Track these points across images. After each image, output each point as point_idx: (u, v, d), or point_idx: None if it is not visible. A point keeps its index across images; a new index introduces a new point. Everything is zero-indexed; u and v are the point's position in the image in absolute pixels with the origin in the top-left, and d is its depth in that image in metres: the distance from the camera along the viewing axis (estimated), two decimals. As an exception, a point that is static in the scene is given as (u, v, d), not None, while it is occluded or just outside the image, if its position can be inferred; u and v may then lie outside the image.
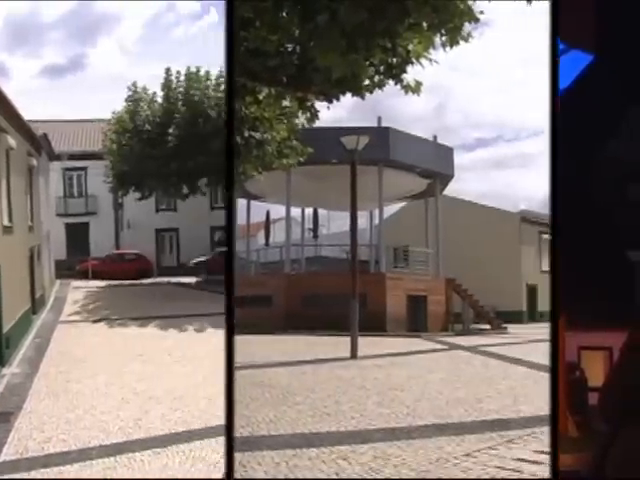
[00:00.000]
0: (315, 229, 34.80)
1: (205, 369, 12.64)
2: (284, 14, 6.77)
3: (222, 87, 28.69)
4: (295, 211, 35.25)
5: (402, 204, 36.18)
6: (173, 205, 39.07)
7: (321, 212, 36.12)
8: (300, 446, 7.56)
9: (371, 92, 7.59)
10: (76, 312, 23.16)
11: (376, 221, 30.47)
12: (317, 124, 9.10)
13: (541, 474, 6.45)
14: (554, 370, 5.93)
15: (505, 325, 27.41)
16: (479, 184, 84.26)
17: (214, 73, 29.58)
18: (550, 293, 6.19)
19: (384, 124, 26.39)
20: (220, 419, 8.96)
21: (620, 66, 7.55)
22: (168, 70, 29.61)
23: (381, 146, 23.88)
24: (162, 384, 11.44)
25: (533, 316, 35.28)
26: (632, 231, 7.33)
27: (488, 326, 27.43)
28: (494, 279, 32.94)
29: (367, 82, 7.46)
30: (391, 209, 35.28)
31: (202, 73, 29.55)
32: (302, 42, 7.03)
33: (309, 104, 8.27)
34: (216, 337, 16.77)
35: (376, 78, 7.47)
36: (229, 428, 5.59)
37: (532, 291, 35.73)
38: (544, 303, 35.45)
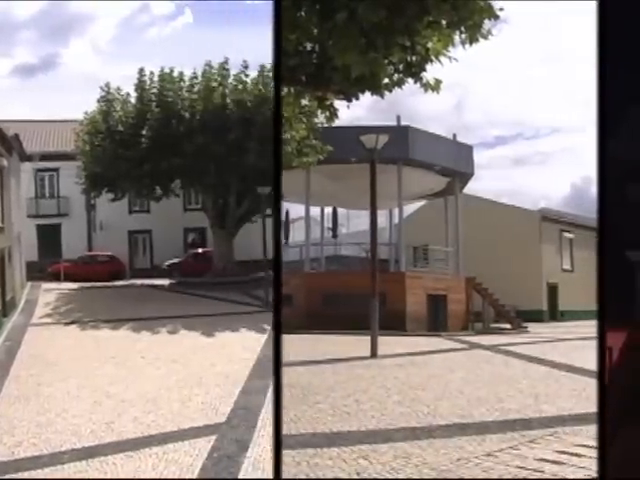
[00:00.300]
0: (334, 228, 34.78)
1: (178, 371, 12.54)
2: (303, 13, 6.75)
3: (196, 88, 28.51)
4: (314, 210, 35.30)
5: (421, 203, 36.06)
6: (146, 207, 38.73)
7: (340, 211, 36.10)
8: (321, 445, 7.55)
9: (390, 91, 7.55)
10: (47, 315, 22.93)
11: (395, 220, 30.39)
12: (336, 123, 9.07)
13: (563, 474, 6.40)
14: (601, 371, 5.82)
15: (525, 324, 27.24)
16: (499, 182, 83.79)
17: (188, 74, 29.34)
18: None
19: (403, 123, 26.31)
20: (193, 421, 8.98)
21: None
22: (141, 71, 29.35)
23: (400, 145, 23.81)
24: (135, 387, 11.27)
25: (554, 315, 35.03)
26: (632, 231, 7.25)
27: (508, 325, 27.28)
28: (514, 278, 32.75)
29: (386, 81, 7.42)
30: (410, 208, 35.16)
31: (176, 74, 29.25)
32: (321, 41, 7.00)
33: (328, 103, 8.25)
34: (189, 339, 16.82)
35: (395, 76, 7.43)
36: (277, 428, 5.55)
37: (553, 290, 35.48)
38: (565, 302, 35.25)
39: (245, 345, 15.27)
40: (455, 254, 28.25)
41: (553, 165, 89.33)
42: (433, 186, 29.24)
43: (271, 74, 28.31)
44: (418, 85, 7.38)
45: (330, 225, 34.85)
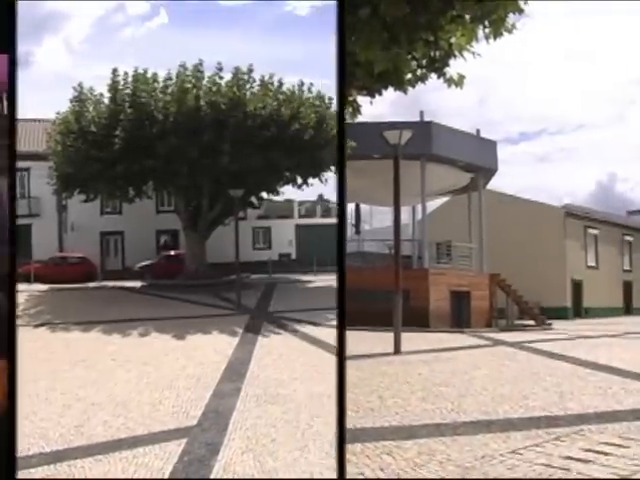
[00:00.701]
0: (357, 224, 34.76)
1: (149, 374, 12.46)
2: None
3: (170, 89, 28.14)
4: (337, 207, 35.31)
5: (445, 199, 35.93)
6: (118, 208, 38.48)
7: (363, 207, 36.13)
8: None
9: (413, 86, 7.53)
10: (17, 316, 22.68)
11: (419, 216, 30.31)
12: (359, 119, 9.05)
13: (589, 473, 6.34)
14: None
15: (549, 321, 27.07)
16: (522, 178, 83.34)
17: (162, 75, 28.89)
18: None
19: (426, 118, 26.22)
20: (164, 424, 8.90)
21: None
22: (115, 71, 28.80)
23: (424, 140, 23.74)
24: (105, 390, 11.16)
25: (578, 312, 34.77)
26: None
27: (532, 322, 27.11)
28: (538, 274, 32.55)
29: (409, 76, 7.40)
30: (434, 204, 35.06)
31: (150, 75, 28.81)
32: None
33: (351, 99, 8.23)
34: (160, 342, 16.72)
35: (418, 72, 7.40)
36: (340, 427, 5.53)
37: (577, 287, 35.21)
38: (589, 299, 34.99)
39: (217, 348, 15.16)
40: (479, 251, 28.11)
41: (578, 161, 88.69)
42: (456, 182, 29.11)
43: (246, 77, 28.44)
44: (441, 80, 7.35)
45: (353, 222, 34.84)
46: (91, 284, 33.87)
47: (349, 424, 8.44)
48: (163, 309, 23.71)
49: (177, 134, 26.63)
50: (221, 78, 28.26)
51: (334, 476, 6.29)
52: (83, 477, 6.98)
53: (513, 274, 28.57)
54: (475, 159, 27.30)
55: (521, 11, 6.78)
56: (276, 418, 9.09)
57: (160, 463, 7.22)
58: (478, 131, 28.60)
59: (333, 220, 43.49)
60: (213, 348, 15.26)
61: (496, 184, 32.89)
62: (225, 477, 6.91)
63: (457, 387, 11.01)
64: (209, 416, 9.25)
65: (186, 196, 31.73)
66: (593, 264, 36.79)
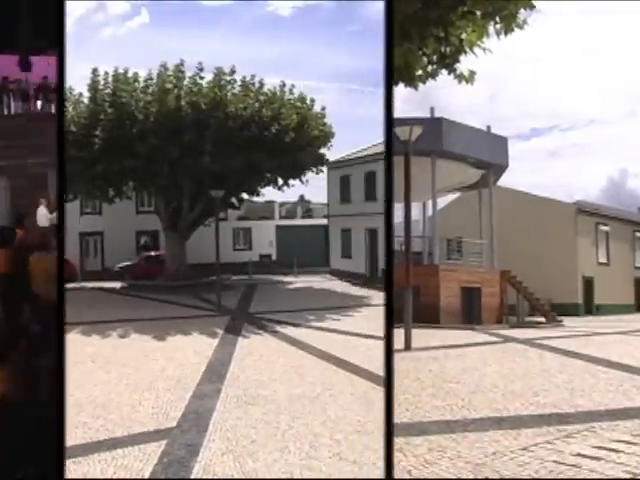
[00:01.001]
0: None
1: (129, 375, 12.42)
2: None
3: (150, 89, 27.91)
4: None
5: (455, 195, 35.85)
6: (98, 208, 38.36)
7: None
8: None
9: (424, 82, 7.51)
10: (65, 321, 22.69)
11: (429, 212, 30.24)
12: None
13: (601, 470, 6.32)
14: None
15: (560, 318, 26.98)
16: (534, 174, 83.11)
17: (142, 75, 28.58)
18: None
19: (437, 115, 26.14)
20: (143, 426, 8.87)
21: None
22: (95, 71, 28.48)
23: (434, 137, 23.69)
24: (84, 391, 11.17)
25: (589, 309, 34.64)
26: None
27: (543, 319, 27.03)
28: (549, 271, 32.47)
29: (420, 72, 7.38)
30: (444, 200, 34.99)
31: (130, 75, 28.56)
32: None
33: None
34: (140, 343, 16.64)
35: (429, 68, 7.38)
36: (388, 427, 5.51)
37: (588, 283, 35.08)
38: (601, 296, 34.86)
39: (197, 349, 15.10)
40: (489, 247, 28.05)
41: (589, 157, 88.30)
42: (467, 178, 29.03)
43: (227, 77, 28.11)
44: (452, 76, 7.34)
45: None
46: (70, 285, 33.22)
47: (357, 421, 8.45)
48: (143, 310, 23.64)
49: (158, 134, 26.44)
50: (202, 78, 27.94)
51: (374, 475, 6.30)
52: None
53: (524, 271, 28.49)
54: (486, 155, 27.22)
55: (532, 7, 6.76)
56: (256, 419, 9.10)
57: (140, 464, 7.22)
58: (489, 127, 28.52)
59: (314, 221, 43.57)
60: (193, 349, 15.21)
61: (507, 180, 32.79)
62: (207, 478, 6.95)
63: (467, 384, 11.00)
64: (189, 417, 9.24)
65: (166, 196, 31.53)
66: (604, 261, 36.63)
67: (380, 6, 6.03)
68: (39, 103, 20.62)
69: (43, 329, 6.81)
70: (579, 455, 6.80)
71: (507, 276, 27.25)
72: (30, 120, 19.47)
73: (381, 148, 33.90)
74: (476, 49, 7.04)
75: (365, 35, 70.76)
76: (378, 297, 25.58)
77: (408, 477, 6.34)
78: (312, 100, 29.94)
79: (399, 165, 16.70)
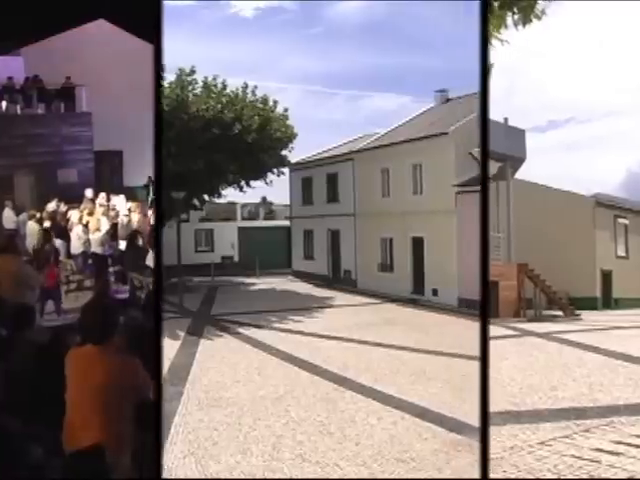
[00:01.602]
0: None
1: None
2: None
3: None
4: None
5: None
6: None
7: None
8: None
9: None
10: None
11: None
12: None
13: (620, 465, 6.27)
14: None
15: (578, 312, 26.80)
16: (551, 167, 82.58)
17: None
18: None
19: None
20: None
21: None
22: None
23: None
24: None
25: (608, 303, 34.37)
26: None
27: (560, 312, 26.86)
28: (567, 264, 32.23)
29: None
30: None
31: None
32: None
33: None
34: None
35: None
36: (484, 428, 5.48)
37: (607, 277, 34.80)
38: (619, 289, 34.61)
39: None
40: (506, 240, 27.89)
41: (607, 149, 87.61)
42: (484, 171, 28.87)
43: (189, 78, 27.69)
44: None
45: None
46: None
47: (319, 422, 8.43)
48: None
49: None
50: (164, 79, 27.79)
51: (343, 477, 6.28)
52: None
53: (541, 264, 28.31)
54: (503, 148, 27.01)
55: (551, -3, 6.68)
56: (218, 421, 9.13)
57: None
58: (506, 119, 28.32)
59: (276, 223, 43.27)
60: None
61: (524, 173, 32.58)
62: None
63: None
64: (151, 419, 9.28)
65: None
66: (623, 254, 36.33)
67: (342, 8, 6.02)
68: (4, 104, 20.75)
69: (8, 333, 6.79)
70: (598, 450, 6.74)
71: (524, 269, 27.08)
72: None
73: (343, 149, 33.92)
74: (494, 40, 6.97)
75: (327, 37, 70.67)
76: (341, 298, 25.71)
77: (502, 477, 6.29)
78: (275, 102, 29.77)
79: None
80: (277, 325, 19.14)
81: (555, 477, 6.12)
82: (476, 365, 10.81)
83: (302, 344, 15.76)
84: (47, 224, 16.84)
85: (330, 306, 23.90)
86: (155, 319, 6.25)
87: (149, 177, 23.71)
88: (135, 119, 24.35)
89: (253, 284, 34.19)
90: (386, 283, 26.87)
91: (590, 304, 32.00)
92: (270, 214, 45.41)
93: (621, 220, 36.59)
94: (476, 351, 10.80)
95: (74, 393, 4.99)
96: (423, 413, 9.43)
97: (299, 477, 6.94)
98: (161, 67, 6.03)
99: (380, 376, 11.96)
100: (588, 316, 26.21)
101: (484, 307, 6.67)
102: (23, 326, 6.76)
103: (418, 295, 24.84)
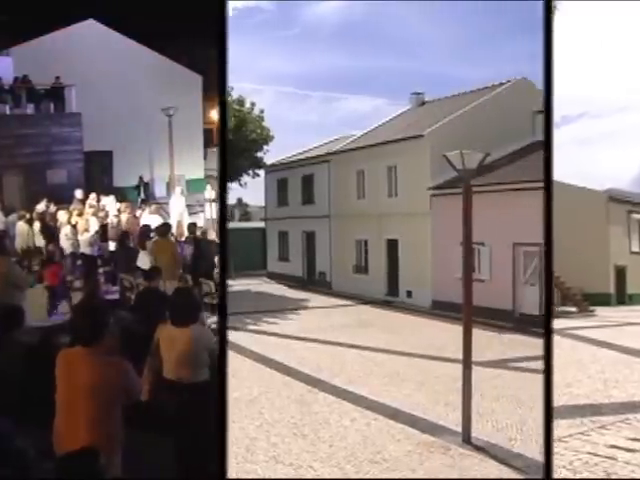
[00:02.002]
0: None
1: None
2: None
3: None
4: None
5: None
6: None
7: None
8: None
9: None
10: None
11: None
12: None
13: (636, 462, 6.28)
14: None
15: (592, 308, 26.71)
16: (564, 163, 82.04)
17: None
18: None
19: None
20: None
21: None
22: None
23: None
24: None
25: (622, 299, 34.21)
26: None
27: (574, 309, 26.78)
28: (580, 260, 32.09)
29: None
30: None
31: None
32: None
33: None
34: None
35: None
36: (547, 427, 5.52)
37: (620, 273, 34.64)
38: (633, 285, 34.44)
39: None
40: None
41: (620, 144, 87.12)
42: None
43: None
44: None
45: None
46: None
47: (293, 424, 8.45)
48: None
49: None
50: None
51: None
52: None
53: (555, 260, 28.17)
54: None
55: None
56: None
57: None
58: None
59: (251, 224, 43.05)
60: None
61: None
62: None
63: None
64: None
65: None
66: (637, 250, 36.14)
67: (320, 9, 6.03)
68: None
69: None
70: (614, 447, 6.75)
71: (538, 265, 27.02)
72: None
73: (319, 151, 33.79)
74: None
75: (303, 38, 70.29)
76: (315, 300, 25.67)
77: (562, 477, 6.30)
78: (252, 103, 29.68)
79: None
80: (252, 327, 19.12)
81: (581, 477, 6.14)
82: (449, 366, 10.91)
83: (277, 346, 15.70)
84: (37, 225, 16.85)
85: (305, 308, 23.71)
86: (220, 320, 6.37)
87: (140, 177, 23.77)
88: (125, 119, 24.58)
89: (229, 286, 34.14)
90: (361, 285, 26.71)
91: (604, 300, 31.86)
92: (245, 215, 45.26)
93: (635, 215, 36.41)
94: (450, 353, 10.88)
95: (64, 395, 5.02)
96: (396, 414, 9.45)
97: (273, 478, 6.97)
98: (226, 74, 6.02)
99: (354, 378, 11.93)
100: (602, 312, 26.13)
101: (548, 305, 6.68)
102: (12, 327, 6.75)
103: (392, 297, 24.67)
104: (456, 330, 8.99)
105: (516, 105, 22.87)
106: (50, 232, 16.45)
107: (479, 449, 7.81)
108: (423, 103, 30.70)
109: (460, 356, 8.58)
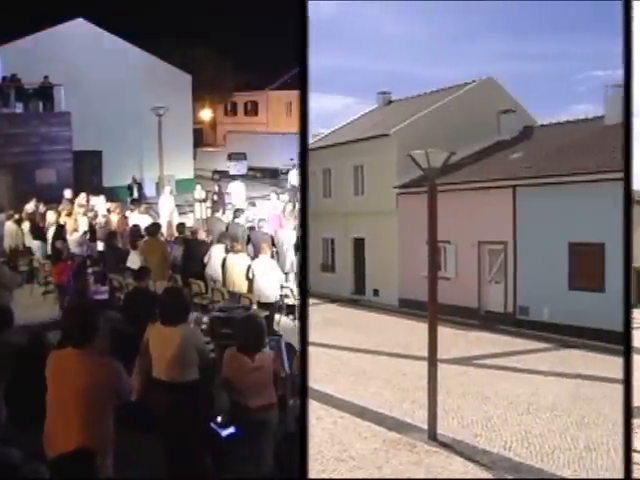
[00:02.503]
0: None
1: None
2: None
3: None
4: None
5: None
6: None
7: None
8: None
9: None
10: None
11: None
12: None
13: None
14: None
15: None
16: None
17: None
18: None
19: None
20: None
21: None
22: None
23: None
24: None
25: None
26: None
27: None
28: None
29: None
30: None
31: None
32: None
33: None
34: None
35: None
36: (627, 429, 5.50)
37: (640, 275, 34.58)
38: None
39: None
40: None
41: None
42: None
43: None
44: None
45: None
46: None
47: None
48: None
49: None
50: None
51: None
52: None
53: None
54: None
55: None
56: None
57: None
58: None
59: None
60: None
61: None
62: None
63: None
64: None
65: None
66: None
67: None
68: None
69: None
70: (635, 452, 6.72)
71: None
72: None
73: None
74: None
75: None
76: None
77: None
78: None
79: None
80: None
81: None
82: (416, 364, 10.98)
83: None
84: (26, 225, 16.69)
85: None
86: (301, 324, 6.49)
87: (133, 177, 23.60)
88: (115, 119, 24.38)
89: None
90: (327, 283, 26.62)
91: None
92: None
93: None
94: (416, 350, 10.93)
95: (55, 396, 4.98)
96: (363, 412, 9.50)
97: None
98: (307, 76, 6.02)
99: (320, 376, 11.86)
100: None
101: (627, 296, 6.65)
102: (1, 328, 6.69)
103: (359, 295, 24.67)
104: (422, 328, 9.04)
105: (482, 104, 22.88)
106: (36, 232, 16.34)
107: (445, 446, 7.88)
108: (390, 102, 30.71)
109: (426, 354, 8.63)
